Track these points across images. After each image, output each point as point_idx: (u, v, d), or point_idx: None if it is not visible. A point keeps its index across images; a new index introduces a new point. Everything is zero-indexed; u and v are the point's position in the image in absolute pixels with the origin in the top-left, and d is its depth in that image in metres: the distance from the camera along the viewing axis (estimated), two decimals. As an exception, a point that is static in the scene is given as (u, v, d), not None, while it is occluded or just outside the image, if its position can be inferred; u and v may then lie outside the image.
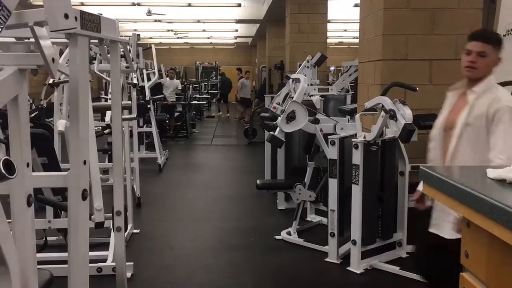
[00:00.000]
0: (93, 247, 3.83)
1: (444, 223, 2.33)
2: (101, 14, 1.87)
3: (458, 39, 3.91)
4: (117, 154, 2.31)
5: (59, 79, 5.05)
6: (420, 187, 2.42)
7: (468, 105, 2.34)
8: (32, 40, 1.47)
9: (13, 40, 2.16)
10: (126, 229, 3.45)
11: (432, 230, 2.42)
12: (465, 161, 2.34)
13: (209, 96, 17.52)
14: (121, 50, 3.80)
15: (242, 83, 14.90)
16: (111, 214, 2.41)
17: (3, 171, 1.04)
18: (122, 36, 5.92)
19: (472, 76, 2.32)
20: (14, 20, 1.38)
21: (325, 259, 3.80)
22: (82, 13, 1.60)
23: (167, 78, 11.61)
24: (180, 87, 11.99)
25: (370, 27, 4.22)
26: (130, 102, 3.98)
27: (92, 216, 2.49)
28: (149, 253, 4.05)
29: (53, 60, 1.43)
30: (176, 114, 11.12)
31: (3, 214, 1.25)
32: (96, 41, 2.07)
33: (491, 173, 1.61)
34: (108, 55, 2.47)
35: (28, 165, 1.45)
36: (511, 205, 1.28)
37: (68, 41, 1.56)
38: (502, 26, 4.54)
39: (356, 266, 3.57)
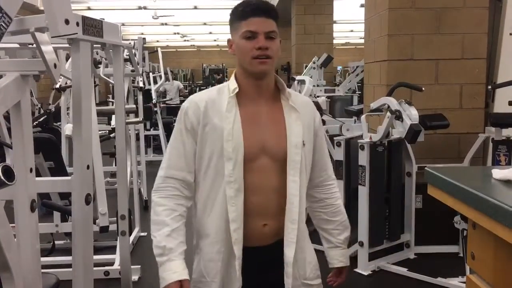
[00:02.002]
0: (100, 250, 3.86)
1: None
2: (103, 19, 1.88)
3: (464, 39, 3.88)
4: (121, 158, 2.31)
5: (66, 83, 5.09)
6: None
7: (289, 114, 1.58)
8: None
9: (16, 46, 2.17)
10: (131, 233, 3.47)
11: None
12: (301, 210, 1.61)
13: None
14: (127, 54, 3.82)
15: None
16: (115, 218, 2.41)
17: (2, 178, 1.04)
18: (129, 39, 5.95)
19: (267, 71, 1.53)
20: (15, 27, 1.39)
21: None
22: (84, 18, 1.60)
23: (170, 82, 11.63)
24: (181, 86, 11.96)
25: (375, 27, 4.20)
26: (134, 106, 3.99)
27: (96, 221, 2.50)
28: (156, 256, 4.05)
29: (55, 65, 1.44)
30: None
31: (6, 220, 1.25)
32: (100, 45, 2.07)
33: (497, 174, 1.60)
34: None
35: (31, 170, 1.46)
36: (517, 206, 1.26)
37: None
38: (509, 25, 4.50)
39: (364, 268, 3.55)
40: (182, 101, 11.50)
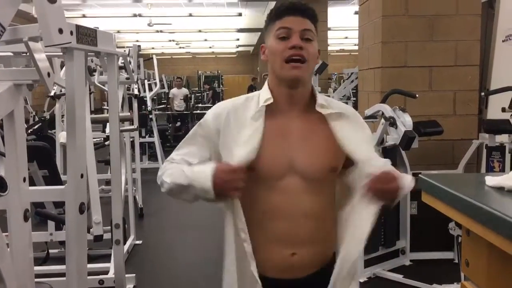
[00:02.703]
0: (94, 259, 3.84)
1: None
2: (98, 28, 1.88)
3: (457, 46, 3.91)
4: (115, 167, 2.31)
5: (61, 91, 5.08)
6: None
7: (330, 129, 1.38)
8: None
9: (10, 54, 2.17)
10: (125, 241, 3.45)
11: None
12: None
13: (211, 105, 17.55)
14: (122, 61, 3.82)
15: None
16: (109, 227, 2.40)
17: (-5, 188, 1.04)
18: (124, 47, 5.95)
19: (301, 77, 1.35)
20: (9, 36, 1.39)
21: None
22: (78, 27, 1.61)
23: (175, 88, 11.67)
24: (188, 94, 12.03)
25: (369, 34, 4.22)
26: (129, 113, 3.99)
27: (90, 229, 2.49)
28: (151, 264, 4.04)
29: (48, 74, 1.44)
30: (178, 124, 11.16)
31: (-1, 230, 1.25)
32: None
33: (490, 181, 1.60)
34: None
35: (24, 180, 1.45)
36: (510, 214, 1.27)
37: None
38: (501, 32, 4.55)
39: (359, 275, 3.54)
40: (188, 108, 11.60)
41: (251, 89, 15.93)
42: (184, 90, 11.79)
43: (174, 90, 11.23)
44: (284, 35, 1.34)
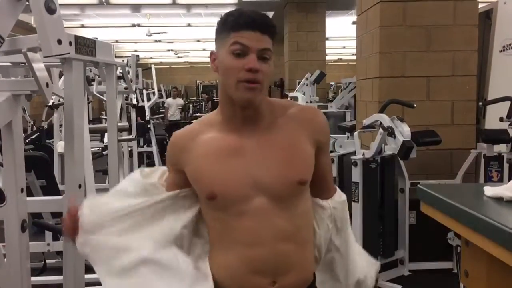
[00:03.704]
0: (92, 269, 3.80)
1: None
2: (97, 38, 1.89)
3: (454, 56, 3.93)
4: (114, 177, 2.30)
5: (59, 100, 5.08)
6: None
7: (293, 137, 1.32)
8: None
9: (9, 64, 2.17)
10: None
11: None
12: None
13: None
14: (120, 71, 3.83)
15: None
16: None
17: (-8, 199, 1.03)
18: (122, 56, 5.96)
19: (255, 100, 1.24)
20: (8, 46, 1.39)
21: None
22: (77, 37, 1.61)
23: (170, 97, 11.70)
24: (182, 105, 12.08)
25: (367, 45, 4.24)
26: (127, 123, 3.99)
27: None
28: (149, 274, 4.01)
29: (47, 85, 1.44)
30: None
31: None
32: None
33: (489, 191, 1.60)
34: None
35: (22, 190, 1.45)
36: (509, 225, 1.27)
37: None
38: (498, 42, 4.58)
39: (358, 285, 3.52)
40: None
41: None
42: (179, 101, 11.81)
43: (169, 100, 11.24)
44: (239, 51, 1.21)
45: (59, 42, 1.36)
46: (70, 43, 1.51)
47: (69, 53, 1.47)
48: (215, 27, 1.31)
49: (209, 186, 1.25)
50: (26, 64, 1.42)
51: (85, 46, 1.68)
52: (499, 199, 1.51)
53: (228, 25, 1.24)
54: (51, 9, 1.30)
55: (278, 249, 1.25)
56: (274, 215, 1.25)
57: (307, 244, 1.33)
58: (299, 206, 1.30)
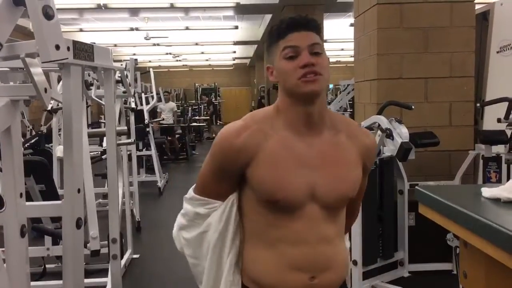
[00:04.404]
0: (92, 273, 3.81)
1: None
2: (95, 43, 1.89)
3: (452, 57, 3.94)
4: (112, 182, 2.31)
5: (58, 105, 5.09)
6: None
7: (344, 151, 1.36)
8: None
9: (7, 69, 2.18)
10: (122, 256, 3.43)
11: None
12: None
13: (208, 117, 17.57)
14: (119, 75, 3.83)
15: None
16: (106, 242, 2.39)
17: (-9, 205, 1.04)
18: (121, 60, 5.98)
19: (319, 91, 1.27)
20: (6, 52, 1.40)
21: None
22: (75, 43, 1.62)
23: (162, 102, 11.72)
24: (175, 109, 12.04)
25: (365, 47, 4.25)
26: (126, 127, 3.99)
27: (87, 244, 2.48)
28: (149, 278, 4.02)
29: (45, 90, 1.45)
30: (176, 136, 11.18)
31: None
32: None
33: (486, 192, 1.61)
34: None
35: (21, 195, 1.45)
36: (506, 226, 1.27)
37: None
38: (495, 43, 4.59)
39: (358, 287, 3.53)
40: (177, 121, 11.57)
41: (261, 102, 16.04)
42: (172, 104, 11.80)
43: (161, 105, 11.24)
44: (292, 54, 1.26)
45: (57, 47, 1.36)
46: (68, 48, 1.52)
47: (67, 58, 1.48)
48: (266, 41, 1.39)
49: (273, 191, 1.28)
50: (25, 69, 1.42)
51: (83, 51, 1.69)
52: (496, 200, 1.52)
53: (274, 35, 1.31)
54: (48, 15, 1.30)
55: (319, 250, 1.32)
56: (321, 221, 1.32)
57: (342, 246, 1.42)
58: (341, 215, 1.40)
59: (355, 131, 1.40)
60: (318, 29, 1.30)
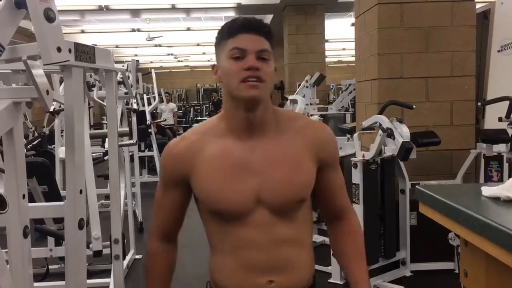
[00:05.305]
0: (94, 274, 3.82)
1: None
2: (96, 44, 1.90)
3: (452, 56, 3.94)
4: (114, 182, 2.32)
5: (60, 106, 5.10)
6: None
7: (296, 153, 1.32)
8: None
9: (9, 71, 2.19)
10: (125, 256, 3.44)
11: None
12: None
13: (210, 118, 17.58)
14: (120, 76, 3.84)
15: None
16: (109, 243, 2.40)
17: (-6, 206, 1.05)
18: (123, 61, 6.00)
19: (258, 97, 1.24)
20: (8, 55, 1.41)
21: (329, 280, 3.77)
22: (76, 45, 1.63)
23: (164, 103, 11.73)
24: (176, 109, 12.06)
25: (366, 46, 4.26)
26: (127, 128, 4.00)
27: (90, 245, 2.49)
28: (151, 278, 4.02)
29: (47, 92, 1.45)
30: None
31: (-2, 247, 1.25)
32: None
33: (486, 191, 1.61)
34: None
35: (24, 196, 1.46)
36: (506, 225, 1.28)
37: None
38: (496, 42, 4.59)
39: (360, 287, 3.53)
40: (178, 122, 11.58)
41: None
42: (172, 105, 11.81)
43: (161, 105, 11.25)
44: (238, 55, 1.23)
45: (59, 49, 1.37)
46: (70, 51, 1.52)
47: (69, 60, 1.48)
48: (215, 39, 1.32)
49: (216, 202, 1.28)
50: (26, 71, 1.43)
51: (85, 53, 1.69)
52: (496, 199, 1.52)
53: (225, 33, 1.27)
54: (50, 18, 1.31)
55: (276, 251, 1.28)
56: (274, 224, 1.28)
57: (304, 246, 1.36)
58: (298, 217, 1.33)
59: (303, 127, 1.34)
60: (269, 35, 1.27)
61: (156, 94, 8.42)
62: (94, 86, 3.89)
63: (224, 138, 1.29)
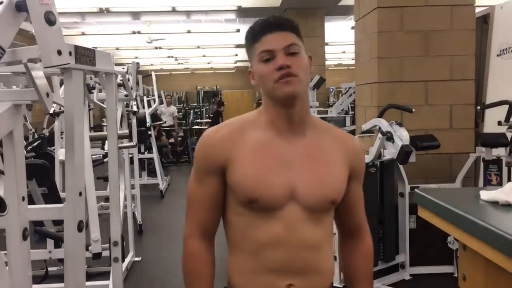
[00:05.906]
0: (93, 276, 3.83)
1: None
2: (96, 47, 1.91)
3: (452, 60, 3.95)
4: (114, 185, 2.32)
5: (60, 108, 5.11)
6: None
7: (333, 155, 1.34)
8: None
9: (9, 73, 2.20)
10: (124, 258, 3.44)
11: None
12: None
13: (210, 120, 17.58)
14: (120, 79, 3.85)
15: None
16: (108, 245, 2.40)
17: (-7, 208, 1.05)
18: (123, 64, 6.04)
19: (295, 93, 1.24)
20: (8, 57, 1.41)
21: (328, 283, 3.77)
22: (77, 47, 1.63)
23: (164, 105, 11.74)
24: (176, 114, 12.08)
25: (365, 50, 4.27)
26: (127, 131, 4.01)
27: (89, 247, 2.49)
28: (150, 281, 4.03)
29: (47, 95, 1.46)
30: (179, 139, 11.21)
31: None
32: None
33: (484, 195, 1.62)
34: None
35: (23, 199, 1.47)
36: (504, 229, 1.28)
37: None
38: (496, 46, 4.60)
39: (359, 290, 3.53)
40: (179, 125, 11.59)
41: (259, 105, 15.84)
42: (172, 108, 11.81)
43: (162, 107, 11.24)
44: (267, 57, 1.24)
45: (59, 52, 1.38)
46: (70, 53, 1.53)
47: (69, 63, 1.49)
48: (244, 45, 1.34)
49: (252, 190, 1.25)
50: (27, 74, 1.44)
51: (85, 55, 1.70)
52: (494, 203, 1.53)
53: (250, 39, 1.30)
54: (50, 21, 1.32)
55: (300, 253, 1.27)
56: (302, 224, 1.27)
57: (327, 252, 1.35)
58: (325, 220, 1.34)
59: (340, 135, 1.38)
60: (293, 28, 1.29)
61: (156, 97, 8.43)
62: (94, 88, 3.89)
63: (264, 131, 1.30)
